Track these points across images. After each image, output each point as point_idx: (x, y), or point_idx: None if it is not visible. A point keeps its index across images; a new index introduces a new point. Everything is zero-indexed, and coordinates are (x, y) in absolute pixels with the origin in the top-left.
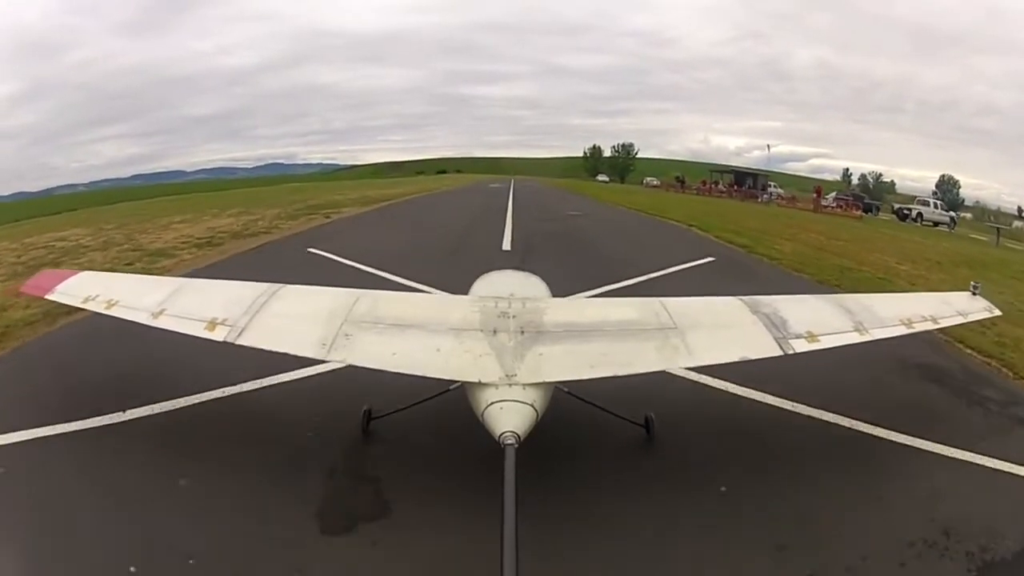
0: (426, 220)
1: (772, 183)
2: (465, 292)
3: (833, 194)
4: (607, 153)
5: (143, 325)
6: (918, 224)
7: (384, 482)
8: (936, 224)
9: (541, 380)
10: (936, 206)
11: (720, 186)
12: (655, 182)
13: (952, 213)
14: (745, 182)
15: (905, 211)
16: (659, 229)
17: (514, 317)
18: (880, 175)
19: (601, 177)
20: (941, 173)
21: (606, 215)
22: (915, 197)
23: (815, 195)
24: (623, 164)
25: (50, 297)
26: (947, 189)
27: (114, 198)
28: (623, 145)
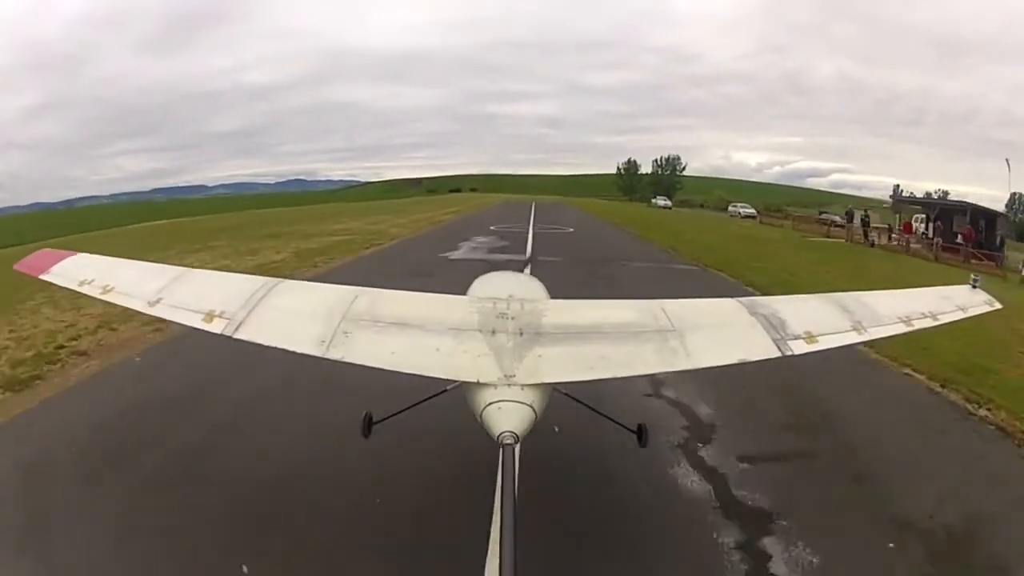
0: None
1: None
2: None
3: None
4: (644, 168)
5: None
6: None
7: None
8: None
9: (539, 381)
10: None
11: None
12: (749, 211)
13: None
14: (979, 228)
15: None
16: None
17: (513, 318)
18: (946, 193)
19: (661, 201)
20: (1012, 192)
21: None
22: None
23: None
24: (668, 182)
25: (44, 278)
26: (1020, 210)
27: (135, 213)
28: (667, 159)
